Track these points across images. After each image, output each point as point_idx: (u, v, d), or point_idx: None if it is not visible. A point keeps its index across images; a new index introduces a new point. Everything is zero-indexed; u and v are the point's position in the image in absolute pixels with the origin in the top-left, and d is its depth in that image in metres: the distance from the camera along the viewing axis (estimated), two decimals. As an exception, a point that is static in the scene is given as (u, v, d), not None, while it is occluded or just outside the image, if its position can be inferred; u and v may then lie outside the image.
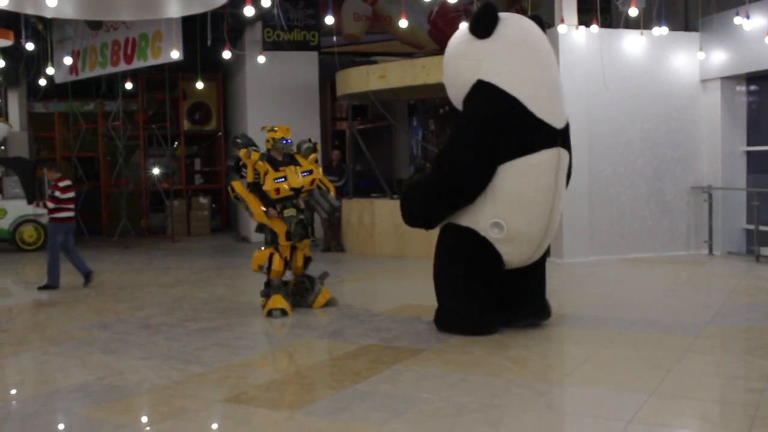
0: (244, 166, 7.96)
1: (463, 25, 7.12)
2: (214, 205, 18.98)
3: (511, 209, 6.50)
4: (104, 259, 13.62)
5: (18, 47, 14.05)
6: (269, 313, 7.82)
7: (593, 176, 11.71)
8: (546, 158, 6.50)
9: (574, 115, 11.40)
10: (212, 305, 8.63)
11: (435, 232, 7.15)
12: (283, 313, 7.81)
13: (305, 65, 15.89)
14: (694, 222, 12.28)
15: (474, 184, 6.52)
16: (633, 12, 10.43)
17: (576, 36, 11.52)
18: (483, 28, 6.62)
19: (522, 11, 15.64)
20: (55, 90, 17.16)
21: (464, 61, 6.76)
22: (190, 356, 6.32)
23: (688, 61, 12.20)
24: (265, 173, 7.83)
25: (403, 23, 11.24)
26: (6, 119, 16.95)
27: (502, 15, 6.74)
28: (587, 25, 11.64)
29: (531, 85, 6.51)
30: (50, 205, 10.16)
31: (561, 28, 11.39)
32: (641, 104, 11.98)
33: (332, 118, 21.11)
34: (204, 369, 5.91)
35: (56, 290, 10.02)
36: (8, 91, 17.56)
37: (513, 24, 6.73)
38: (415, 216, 7.02)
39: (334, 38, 15.33)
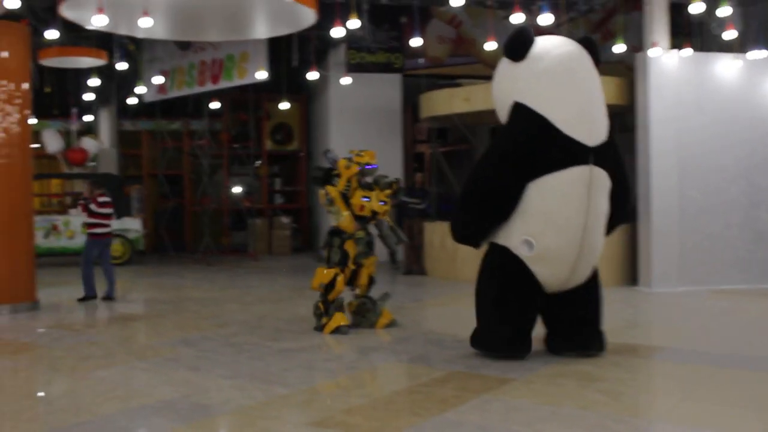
0: (338, 175, 8.10)
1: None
2: (295, 225, 19.11)
3: (540, 227, 6.47)
4: (187, 276, 13.81)
5: (110, 67, 14.46)
6: (336, 331, 7.92)
7: (684, 203, 11.34)
8: (576, 175, 6.43)
9: (663, 140, 11.22)
10: (295, 325, 8.59)
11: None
12: (348, 329, 7.98)
13: (388, 87, 15.95)
14: (790, 253, 11.76)
15: (502, 201, 6.58)
16: (730, 35, 10.08)
17: (667, 59, 11.23)
18: (516, 51, 6.69)
19: (609, 34, 15.37)
20: (143, 108, 17.60)
21: (501, 85, 6.92)
22: (274, 377, 6.28)
23: (784, 85, 11.75)
24: (355, 188, 8.04)
25: (491, 45, 11.13)
26: (97, 136, 17.45)
27: (538, 38, 6.79)
28: (679, 48, 11.33)
29: (561, 104, 6.51)
30: (87, 219, 10.56)
31: (651, 52, 11.13)
32: (734, 129, 11.55)
33: (413, 141, 21.09)
34: (288, 390, 5.85)
35: (145, 305, 10.17)
36: (99, 109, 18.08)
37: (546, 45, 6.75)
38: (457, 234, 7.03)
39: (420, 60, 15.30)
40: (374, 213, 8.14)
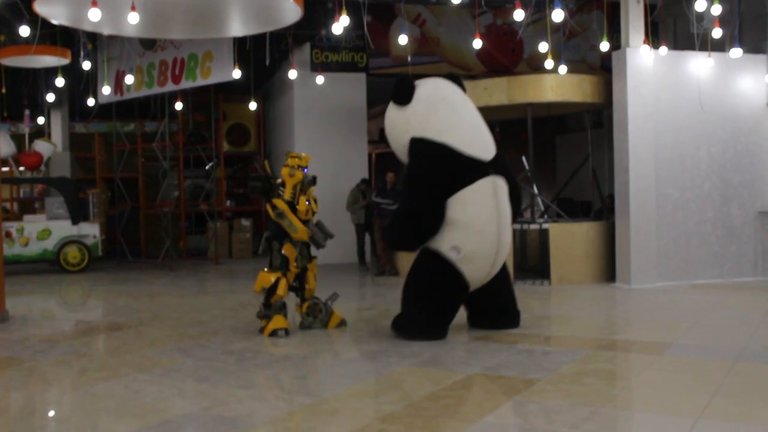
0: (282, 185, 8.09)
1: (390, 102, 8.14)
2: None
3: (463, 234, 7.53)
4: (154, 282, 13.39)
5: (66, 67, 13.93)
6: (273, 333, 7.89)
7: (660, 200, 11.45)
8: (483, 187, 7.58)
9: (641, 138, 11.30)
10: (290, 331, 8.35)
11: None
12: (286, 332, 7.93)
13: (353, 87, 15.73)
14: (762, 247, 11.97)
15: (429, 221, 7.56)
16: (717, 33, 10.19)
17: (644, 58, 11.31)
18: (402, 97, 7.84)
19: (571, 34, 15.49)
20: (97, 110, 17.02)
21: (396, 128, 7.97)
22: (291, 385, 6.06)
23: (754, 84, 11.96)
24: (299, 194, 8.08)
25: (477, 44, 11.09)
26: (50, 139, 16.83)
27: (416, 82, 7.98)
28: (656, 47, 11.43)
29: (454, 130, 7.68)
30: None
31: (629, 51, 11.21)
32: (707, 128, 11.73)
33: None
34: (312, 399, 5.63)
35: (121, 314, 9.78)
36: (51, 111, 17.45)
37: (426, 86, 7.95)
38: (395, 246, 8.73)
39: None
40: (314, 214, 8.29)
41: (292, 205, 8.00)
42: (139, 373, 6.52)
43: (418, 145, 7.71)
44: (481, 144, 7.76)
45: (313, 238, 8.21)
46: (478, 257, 7.62)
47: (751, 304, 9.82)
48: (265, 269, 8.14)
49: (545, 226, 11.74)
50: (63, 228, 15.17)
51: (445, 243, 7.56)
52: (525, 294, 10.25)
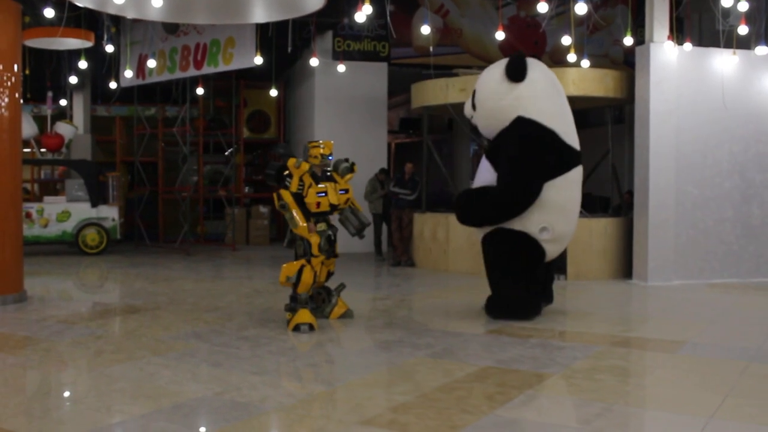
0: (289, 175, 7.80)
1: (493, 71, 8.45)
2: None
3: (555, 216, 8.11)
4: (171, 266, 13.47)
5: (90, 50, 14.00)
6: (296, 328, 7.59)
7: (679, 198, 11.37)
8: (576, 174, 8.29)
9: (662, 134, 11.22)
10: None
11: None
12: (311, 328, 7.63)
13: (374, 76, 15.71)
14: (781, 248, 11.88)
15: (529, 201, 8.02)
16: (743, 30, 10.08)
17: (668, 53, 11.21)
18: (518, 74, 8.15)
19: (594, 28, 15.37)
20: (118, 94, 17.10)
21: (503, 102, 8.19)
22: (304, 373, 6.09)
23: (778, 81, 11.84)
24: (309, 186, 7.74)
25: (500, 35, 11.02)
26: (71, 121, 16.93)
27: (528, 61, 8.27)
28: (680, 43, 11.33)
29: (559, 119, 8.21)
30: None
31: (653, 46, 11.12)
32: (729, 125, 11.62)
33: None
34: (325, 387, 5.67)
35: (137, 297, 9.85)
36: (74, 94, 17.54)
37: (538, 69, 8.33)
38: (473, 219, 8.50)
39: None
40: (333, 206, 7.91)
41: (300, 198, 7.74)
42: (154, 356, 6.57)
43: (528, 126, 8.08)
44: (574, 135, 8.36)
45: (344, 224, 8.01)
46: (563, 238, 8.33)
47: (769, 304, 9.76)
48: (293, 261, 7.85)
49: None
50: (82, 210, 15.27)
51: (534, 223, 8.05)
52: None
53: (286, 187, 7.81)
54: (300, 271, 7.70)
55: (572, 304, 9.83)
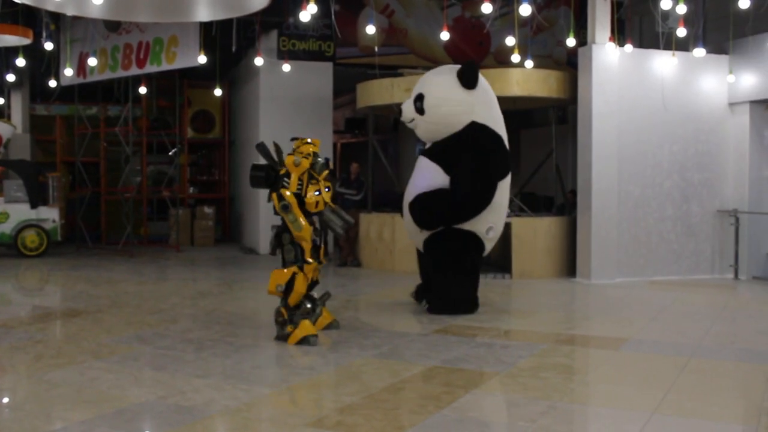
0: (286, 175, 7.21)
1: (445, 77, 8.76)
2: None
3: (498, 216, 8.72)
4: (113, 268, 13.22)
5: (27, 47, 13.66)
6: (303, 341, 7.02)
7: (622, 197, 11.57)
8: (509, 176, 8.80)
9: (605, 134, 11.40)
10: (249, 320, 8.32)
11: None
12: (316, 338, 7.14)
13: (320, 76, 15.64)
14: (719, 246, 12.16)
15: (489, 202, 8.48)
16: (681, 32, 10.29)
17: (609, 55, 11.40)
18: (473, 81, 8.57)
19: (538, 29, 15.54)
20: (58, 93, 16.73)
21: (458, 108, 8.56)
22: (249, 375, 6.02)
23: (716, 83, 12.11)
24: (307, 185, 7.18)
25: (444, 36, 11.04)
26: (9, 120, 16.51)
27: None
28: (621, 45, 11.52)
29: (501, 124, 8.81)
30: None
31: (594, 47, 11.29)
32: (670, 126, 11.87)
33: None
34: (270, 390, 5.62)
35: (79, 300, 9.64)
36: (11, 92, 17.11)
37: (483, 77, 8.79)
38: (432, 223, 8.59)
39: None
40: (326, 203, 7.31)
41: (300, 198, 7.16)
42: (96, 361, 6.44)
43: (483, 131, 8.58)
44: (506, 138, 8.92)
45: (328, 224, 7.29)
46: (498, 236, 8.89)
47: (707, 301, 9.98)
48: (278, 268, 7.26)
49: (507, 220, 11.78)
50: (21, 211, 14.90)
51: (483, 223, 8.52)
52: (486, 287, 10.28)
53: (284, 188, 7.17)
54: (291, 280, 7.15)
55: (517, 303, 9.92)
